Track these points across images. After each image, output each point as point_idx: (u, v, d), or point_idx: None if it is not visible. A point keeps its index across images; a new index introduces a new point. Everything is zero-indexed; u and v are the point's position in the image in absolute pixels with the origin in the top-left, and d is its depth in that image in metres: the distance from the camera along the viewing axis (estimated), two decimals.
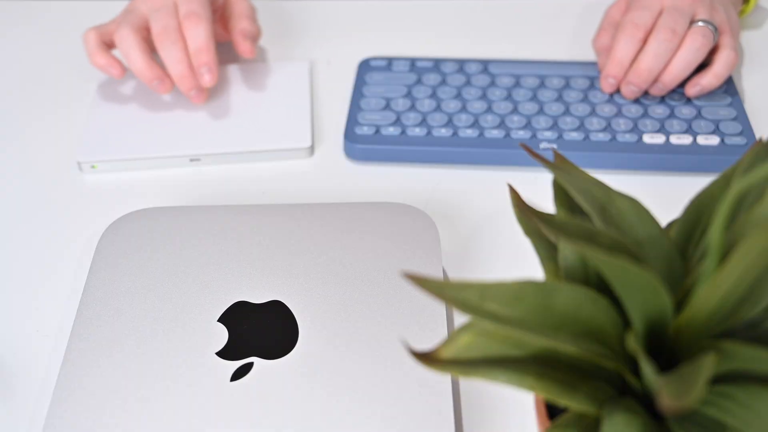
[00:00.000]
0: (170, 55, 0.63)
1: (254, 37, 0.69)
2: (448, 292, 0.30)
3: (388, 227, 0.53)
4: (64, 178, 0.64)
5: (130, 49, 0.64)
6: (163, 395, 0.45)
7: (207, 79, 0.64)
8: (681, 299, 0.33)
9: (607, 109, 0.65)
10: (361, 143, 0.64)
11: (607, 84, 0.66)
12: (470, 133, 0.64)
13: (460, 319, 0.52)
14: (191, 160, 0.64)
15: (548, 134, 0.63)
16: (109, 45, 0.67)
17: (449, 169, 0.64)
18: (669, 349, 0.33)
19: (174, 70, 0.64)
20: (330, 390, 0.45)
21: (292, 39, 0.78)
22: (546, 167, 0.37)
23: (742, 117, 0.64)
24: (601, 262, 0.30)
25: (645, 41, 0.64)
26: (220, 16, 0.71)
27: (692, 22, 0.64)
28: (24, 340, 0.53)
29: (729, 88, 0.67)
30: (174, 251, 0.53)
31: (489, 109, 0.66)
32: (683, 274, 0.35)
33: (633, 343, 0.30)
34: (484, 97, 0.67)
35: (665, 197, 0.54)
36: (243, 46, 0.68)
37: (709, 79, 0.64)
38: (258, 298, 0.50)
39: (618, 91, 0.66)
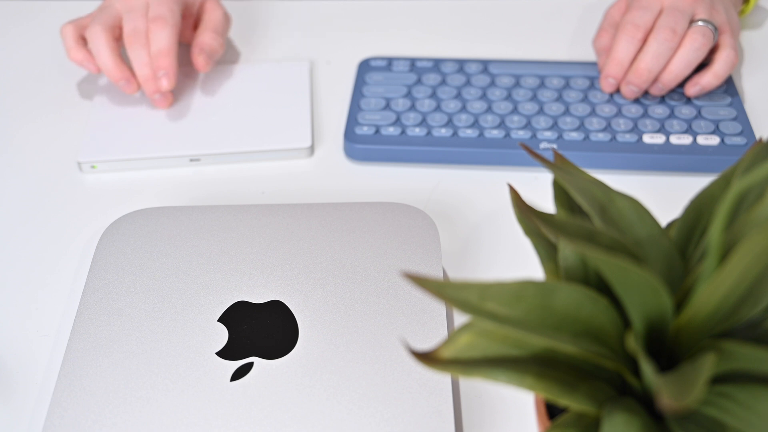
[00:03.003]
0: (137, 57, 0.64)
1: (212, 51, 0.68)
2: (448, 292, 0.30)
3: (388, 227, 0.53)
4: (64, 178, 0.64)
5: (100, 48, 0.65)
6: (163, 395, 0.45)
7: (164, 83, 0.64)
8: (681, 299, 0.33)
9: (607, 109, 0.65)
10: (361, 143, 0.64)
11: (607, 84, 0.66)
12: (470, 133, 0.64)
13: (460, 319, 0.52)
14: (191, 160, 0.64)
15: (548, 134, 0.63)
16: (85, 39, 0.67)
17: (449, 169, 0.64)
18: (669, 349, 0.33)
19: (139, 73, 0.65)
20: (330, 390, 0.45)
21: (292, 39, 0.78)
22: (546, 167, 0.37)
23: (742, 117, 0.64)
24: (600, 262, 0.30)
25: (645, 41, 0.64)
26: (194, 22, 0.71)
27: (692, 21, 0.64)
28: (24, 340, 0.53)
29: (729, 88, 0.67)
30: (174, 251, 0.53)
31: (489, 109, 0.66)
32: (683, 274, 0.35)
33: (633, 343, 0.30)
34: (484, 97, 0.67)
35: (665, 197, 0.54)
36: (196, 60, 0.67)
37: (709, 78, 0.65)
38: (258, 298, 0.50)
39: (618, 91, 0.67)
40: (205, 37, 0.68)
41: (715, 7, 0.65)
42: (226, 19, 0.71)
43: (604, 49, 0.69)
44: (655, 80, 0.64)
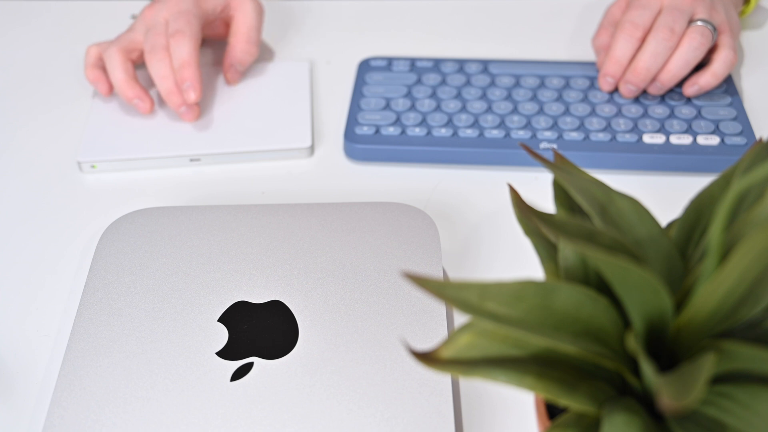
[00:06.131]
0: (157, 72, 0.64)
1: (246, 64, 0.70)
2: (448, 292, 0.30)
3: (388, 227, 0.53)
4: (64, 178, 0.64)
5: (114, 69, 0.65)
6: (163, 395, 0.45)
7: (191, 95, 0.64)
8: (681, 299, 0.33)
9: (607, 109, 0.65)
10: (361, 143, 0.64)
11: (605, 83, 0.66)
12: (470, 133, 0.64)
13: (460, 319, 0.52)
14: (191, 160, 0.64)
15: (548, 134, 0.63)
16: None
17: (449, 169, 0.64)
18: (669, 349, 0.33)
19: (161, 87, 0.65)
20: (330, 390, 0.45)
21: (292, 39, 0.78)
22: (546, 167, 0.37)
23: (742, 117, 0.64)
24: (601, 262, 0.30)
25: (644, 40, 0.64)
26: (223, 19, 0.71)
27: (691, 21, 0.64)
28: (24, 340, 0.53)
29: (729, 88, 0.67)
30: (174, 251, 0.53)
31: (489, 109, 0.66)
32: (683, 274, 0.35)
33: (633, 343, 0.30)
34: (484, 97, 0.67)
35: (665, 197, 0.54)
36: (229, 74, 0.69)
37: (708, 78, 0.65)
38: (258, 298, 0.50)
39: (616, 90, 0.67)
40: (237, 51, 0.69)
41: (714, 7, 0.65)
42: (260, 13, 0.71)
43: (603, 47, 0.69)
44: (654, 79, 0.64)
